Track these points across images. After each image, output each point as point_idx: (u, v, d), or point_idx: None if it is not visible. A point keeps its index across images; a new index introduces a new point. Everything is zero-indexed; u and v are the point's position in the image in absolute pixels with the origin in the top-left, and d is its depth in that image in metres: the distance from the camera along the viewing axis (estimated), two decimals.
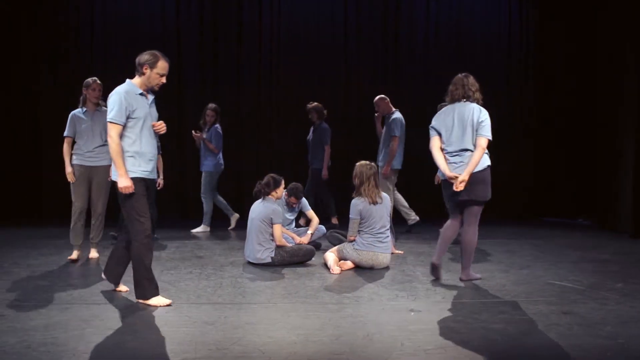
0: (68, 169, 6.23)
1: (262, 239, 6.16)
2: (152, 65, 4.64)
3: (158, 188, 7.55)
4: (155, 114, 4.79)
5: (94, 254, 6.48)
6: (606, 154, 9.24)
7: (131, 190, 4.52)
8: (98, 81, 6.35)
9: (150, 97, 4.74)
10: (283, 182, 6.49)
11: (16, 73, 9.53)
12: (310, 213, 7.12)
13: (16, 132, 9.54)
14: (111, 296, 4.91)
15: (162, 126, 4.77)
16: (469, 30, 10.46)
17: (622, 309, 4.60)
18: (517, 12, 10.55)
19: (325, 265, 6.10)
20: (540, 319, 4.34)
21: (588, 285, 5.36)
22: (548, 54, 10.40)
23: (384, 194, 6.17)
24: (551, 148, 10.40)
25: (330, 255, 6.10)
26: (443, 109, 5.44)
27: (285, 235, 6.58)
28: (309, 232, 6.99)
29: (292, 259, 6.22)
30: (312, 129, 8.83)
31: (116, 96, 4.56)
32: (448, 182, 5.31)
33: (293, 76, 10.24)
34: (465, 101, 5.27)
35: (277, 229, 6.20)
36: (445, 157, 5.28)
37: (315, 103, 8.74)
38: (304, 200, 7.13)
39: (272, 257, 6.16)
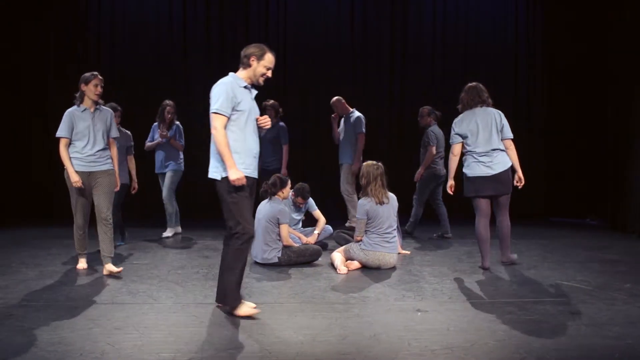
0: (75, 177, 5.55)
1: (269, 239, 6.17)
2: (260, 58, 4.42)
3: (133, 192, 7.21)
4: (257, 108, 4.50)
5: (111, 268, 5.66)
6: (615, 154, 9.20)
7: (244, 181, 4.20)
8: (99, 76, 5.75)
9: (254, 92, 4.49)
10: (289, 182, 6.49)
11: (23, 73, 9.57)
12: (317, 213, 7.12)
13: (26, 133, 9.58)
14: (118, 296, 4.92)
15: (267, 120, 4.48)
16: (477, 30, 10.43)
17: (630, 310, 4.58)
18: (524, 12, 10.52)
19: (332, 266, 6.10)
20: (547, 319, 4.32)
21: (596, 286, 5.33)
22: (557, 53, 10.36)
23: (390, 194, 6.16)
24: (560, 148, 10.36)
25: (337, 256, 6.10)
26: (461, 116, 6.01)
27: (292, 235, 6.58)
28: (316, 232, 6.99)
29: (299, 259, 6.23)
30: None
31: (222, 86, 4.32)
32: (473, 179, 5.90)
33: (300, 76, 10.25)
34: (482, 106, 5.94)
35: (284, 229, 6.20)
36: (473, 156, 5.90)
37: (272, 101, 8.25)
38: (310, 200, 7.13)
39: (279, 257, 6.16)
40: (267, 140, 8.08)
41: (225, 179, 4.25)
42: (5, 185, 9.24)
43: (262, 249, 6.18)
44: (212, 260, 6.43)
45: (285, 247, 6.21)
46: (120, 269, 5.68)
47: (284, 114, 8.28)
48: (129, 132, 7.30)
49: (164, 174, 7.94)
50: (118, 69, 9.89)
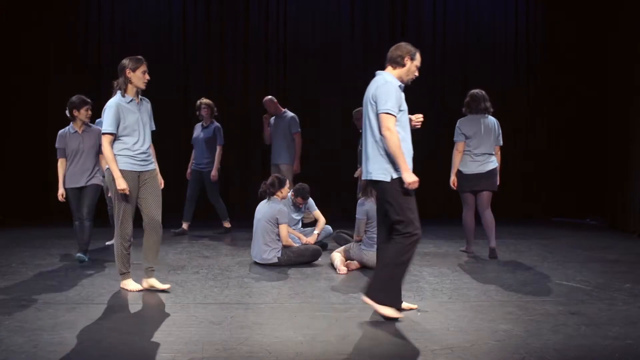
0: (122, 184, 4.89)
1: (269, 239, 6.17)
2: (413, 57, 4.39)
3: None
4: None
5: (156, 283, 5.10)
6: (616, 154, 9.19)
7: (417, 185, 4.16)
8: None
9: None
10: (288, 182, 6.49)
11: (23, 73, 9.56)
12: (317, 213, 7.12)
13: (26, 132, 9.57)
14: (118, 296, 4.92)
15: (421, 119, 4.48)
16: (477, 30, 10.42)
17: (631, 310, 4.58)
18: (524, 11, 10.51)
19: (332, 266, 6.10)
20: (547, 319, 4.32)
21: (596, 286, 5.33)
22: (557, 54, 10.35)
23: None
24: (560, 148, 10.36)
25: (337, 256, 6.10)
26: (467, 118, 6.54)
27: (292, 235, 6.58)
28: (316, 232, 6.99)
29: (299, 259, 6.23)
30: (200, 127, 8.20)
31: (390, 86, 4.24)
32: (468, 176, 6.48)
33: (300, 78, 10.25)
34: (485, 113, 6.52)
35: (284, 229, 6.20)
36: (470, 156, 6.49)
37: (207, 99, 8.08)
38: (310, 200, 7.13)
39: (278, 258, 6.16)
40: (201, 140, 8.08)
41: (397, 180, 4.20)
42: (5, 185, 9.24)
43: (261, 249, 6.17)
44: (212, 261, 6.43)
45: (285, 247, 6.21)
46: (168, 286, 5.10)
47: (217, 113, 8.16)
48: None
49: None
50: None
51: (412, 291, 5.12)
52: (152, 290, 5.04)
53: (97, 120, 6.53)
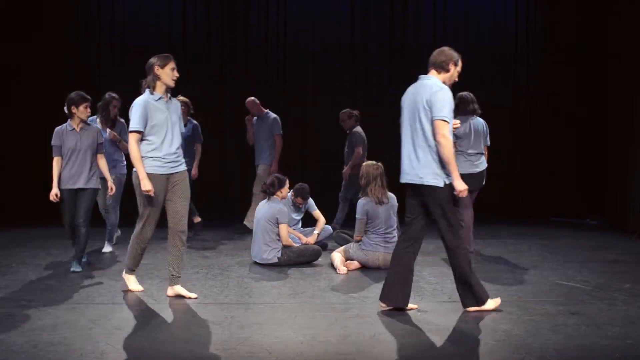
0: (147, 185, 4.67)
1: (269, 239, 6.17)
2: (457, 63, 4.53)
3: (111, 193, 6.07)
4: None
5: (183, 291, 4.90)
6: (616, 154, 9.19)
7: (467, 193, 4.33)
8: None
9: None
10: (287, 182, 6.49)
11: (23, 72, 9.56)
12: (317, 213, 7.12)
13: (26, 132, 9.56)
14: (118, 296, 4.92)
15: (458, 125, 4.74)
16: (477, 30, 10.41)
17: (631, 310, 4.58)
18: (524, 11, 10.50)
19: (332, 266, 6.10)
20: (547, 319, 4.32)
21: (596, 286, 5.33)
22: (558, 53, 10.34)
23: (390, 194, 6.16)
24: (560, 148, 10.35)
25: (337, 256, 6.10)
26: (458, 119, 6.48)
27: (292, 235, 6.58)
28: (316, 232, 6.98)
29: (299, 259, 6.23)
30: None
31: (448, 93, 4.34)
32: (463, 176, 6.22)
33: (300, 78, 10.24)
34: (473, 115, 6.64)
35: (284, 228, 6.20)
36: (464, 156, 6.53)
37: (183, 97, 7.53)
38: (310, 200, 7.13)
39: (278, 257, 6.16)
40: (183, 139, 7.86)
41: (449, 186, 4.30)
42: (5, 185, 9.24)
43: (261, 249, 6.17)
44: (212, 261, 6.43)
45: (285, 247, 6.21)
46: (195, 295, 4.87)
47: (193, 111, 7.87)
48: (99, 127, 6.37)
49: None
50: (118, 68, 9.89)
51: (412, 291, 5.10)
52: (178, 297, 4.86)
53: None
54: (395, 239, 6.15)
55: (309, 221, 7.29)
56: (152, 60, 4.80)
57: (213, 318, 4.31)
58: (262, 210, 6.29)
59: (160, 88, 4.79)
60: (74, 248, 5.90)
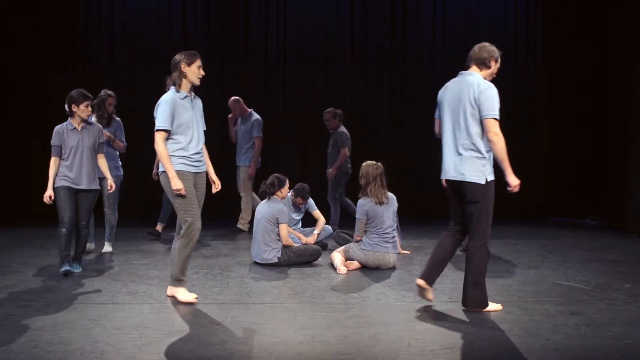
0: (178, 183, 4.55)
1: (269, 239, 6.17)
2: (497, 59, 4.60)
3: (110, 190, 5.94)
4: None
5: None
6: (616, 154, 9.19)
7: (518, 188, 4.36)
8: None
9: None
10: (287, 182, 6.49)
11: (23, 72, 9.56)
12: (317, 213, 7.12)
13: (26, 131, 9.57)
14: (118, 296, 4.92)
15: None
16: (477, 29, 10.39)
17: (631, 310, 4.58)
18: (524, 11, 10.50)
19: (332, 266, 6.10)
20: (547, 319, 4.32)
21: (596, 286, 5.33)
22: (557, 53, 10.34)
23: (390, 194, 6.16)
24: (560, 148, 10.35)
25: (337, 256, 6.10)
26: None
27: (292, 235, 6.58)
28: (316, 232, 6.99)
29: (299, 259, 6.23)
30: None
31: (494, 91, 4.37)
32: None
33: (300, 78, 10.24)
34: None
35: (284, 228, 6.20)
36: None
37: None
38: (310, 200, 7.13)
39: (278, 257, 6.16)
40: None
41: (491, 182, 4.35)
42: (5, 185, 9.24)
43: (261, 249, 6.17)
44: (212, 260, 6.43)
45: (285, 247, 6.21)
46: (195, 296, 4.75)
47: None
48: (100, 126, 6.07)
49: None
50: (118, 68, 9.89)
51: (412, 291, 5.12)
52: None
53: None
54: (395, 238, 6.17)
55: (309, 221, 7.29)
56: (178, 57, 4.69)
57: (213, 318, 4.31)
58: (262, 210, 6.29)
59: (185, 86, 4.70)
60: (66, 250, 5.62)
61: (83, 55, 9.88)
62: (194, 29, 10.12)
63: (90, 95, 5.77)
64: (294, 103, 10.18)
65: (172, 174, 4.54)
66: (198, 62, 4.68)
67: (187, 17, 10.10)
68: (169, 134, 4.59)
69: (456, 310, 4.54)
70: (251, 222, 8.04)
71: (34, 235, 7.96)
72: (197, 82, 4.70)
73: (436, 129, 4.73)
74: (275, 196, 6.34)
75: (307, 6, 10.24)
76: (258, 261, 6.23)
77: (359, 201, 6.13)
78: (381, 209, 6.03)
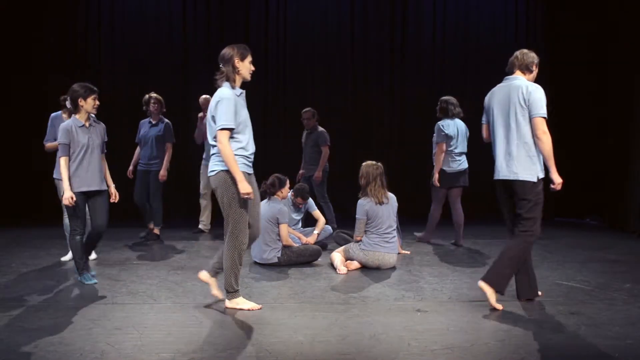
0: (247, 187, 4.34)
1: (269, 239, 6.17)
2: (538, 65, 4.80)
3: (115, 201, 5.57)
4: None
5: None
6: (616, 154, 9.19)
7: (561, 187, 4.61)
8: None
9: None
10: (288, 182, 6.49)
11: (23, 71, 9.56)
12: (317, 213, 7.12)
13: (26, 131, 9.56)
14: (118, 296, 4.92)
15: None
16: (477, 29, 10.41)
17: (631, 310, 4.58)
18: (524, 10, 10.50)
19: (332, 266, 6.10)
20: (547, 319, 4.32)
21: (596, 286, 5.33)
22: (557, 53, 10.34)
23: (390, 194, 6.16)
24: (560, 148, 10.32)
25: (337, 256, 6.10)
26: (447, 121, 7.22)
27: (292, 235, 6.58)
28: (316, 232, 6.98)
29: (299, 259, 6.23)
30: (148, 124, 7.62)
31: (542, 92, 4.56)
32: (450, 174, 7.20)
33: (300, 78, 10.24)
34: (457, 118, 7.30)
35: (284, 228, 6.20)
36: (452, 155, 7.22)
37: (156, 94, 7.56)
38: (310, 200, 7.14)
39: (278, 257, 6.16)
40: (151, 138, 7.54)
41: (541, 180, 4.55)
42: (5, 184, 9.24)
43: (261, 249, 6.17)
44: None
45: (285, 247, 6.21)
46: (260, 306, 4.58)
47: (165, 109, 7.70)
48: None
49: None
50: (118, 68, 9.89)
51: (412, 291, 5.12)
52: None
53: (55, 114, 6.17)
54: (395, 239, 6.17)
55: (308, 221, 7.30)
56: (229, 51, 4.53)
57: (213, 318, 4.31)
58: (263, 210, 6.27)
59: (239, 82, 4.51)
60: (84, 257, 5.36)
61: (83, 56, 9.87)
62: (194, 29, 10.12)
63: (95, 88, 5.40)
64: (294, 103, 10.17)
65: (240, 177, 4.29)
66: (250, 57, 4.54)
67: (187, 17, 10.10)
68: (232, 132, 4.36)
69: (456, 310, 4.54)
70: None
71: (34, 235, 7.96)
72: (249, 77, 4.55)
73: (484, 134, 4.94)
74: (275, 196, 6.34)
75: (307, 6, 10.24)
76: (258, 261, 6.23)
77: (359, 201, 6.13)
78: (381, 209, 6.03)
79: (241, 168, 4.36)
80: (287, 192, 6.50)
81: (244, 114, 4.46)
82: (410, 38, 10.39)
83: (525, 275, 4.75)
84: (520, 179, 4.52)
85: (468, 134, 7.34)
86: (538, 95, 4.52)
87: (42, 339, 3.80)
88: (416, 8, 10.37)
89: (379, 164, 6.20)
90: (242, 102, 4.51)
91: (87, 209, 5.35)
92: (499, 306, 4.52)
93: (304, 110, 8.38)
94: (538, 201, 4.55)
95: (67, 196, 5.12)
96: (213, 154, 4.48)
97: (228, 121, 4.33)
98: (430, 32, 10.40)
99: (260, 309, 4.53)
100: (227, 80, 4.47)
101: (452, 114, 7.24)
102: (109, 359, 3.51)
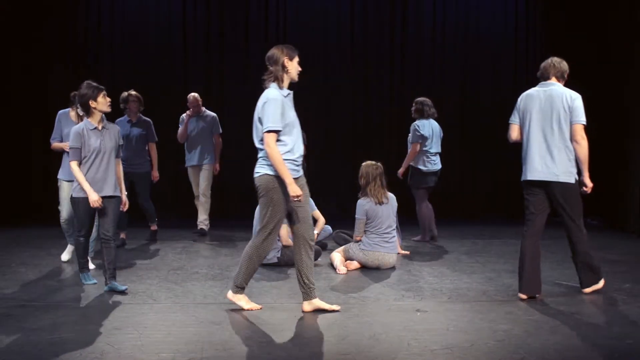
0: (297, 190, 4.24)
1: None
2: (567, 71, 5.11)
3: (124, 209, 5.36)
4: None
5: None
6: (615, 154, 9.19)
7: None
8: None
9: None
10: None
11: (23, 72, 9.57)
12: (317, 213, 7.11)
13: (26, 131, 9.57)
14: (118, 296, 4.92)
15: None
16: (477, 29, 10.41)
17: (630, 310, 4.58)
18: (524, 9, 10.50)
19: (332, 266, 6.10)
20: (547, 319, 4.32)
21: None
22: (557, 54, 10.30)
23: (390, 194, 6.16)
24: None
25: (337, 256, 6.10)
26: (423, 122, 7.40)
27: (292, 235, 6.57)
28: (315, 232, 6.97)
29: None
30: (128, 123, 7.25)
31: (581, 100, 4.87)
32: (427, 174, 7.47)
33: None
34: (432, 119, 7.49)
35: (283, 229, 6.19)
36: (427, 155, 7.39)
37: (135, 92, 7.28)
38: (310, 201, 7.12)
39: (278, 257, 6.16)
40: (134, 138, 7.22)
41: (577, 182, 4.91)
42: (5, 184, 9.24)
43: None
44: (212, 260, 6.43)
45: (285, 247, 6.21)
46: (338, 307, 4.52)
47: (143, 107, 7.41)
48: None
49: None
50: (118, 68, 9.89)
51: (412, 291, 5.12)
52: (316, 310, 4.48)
53: (62, 110, 6.04)
54: (395, 239, 6.17)
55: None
56: (278, 51, 4.43)
57: (213, 318, 4.31)
58: None
59: (286, 82, 4.42)
60: (85, 257, 5.26)
61: (83, 55, 9.87)
62: (194, 29, 10.11)
63: (101, 86, 5.14)
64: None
65: (289, 180, 4.19)
66: (297, 57, 4.46)
67: (187, 17, 10.09)
68: (278, 135, 4.25)
69: (456, 310, 4.54)
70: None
71: (34, 235, 7.96)
72: (297, 78, 4.46)
73: (513, 134, 5.12)
74: None
75: (306, 6, 10.24)
76: None
77: (359, 201, 6.13)
78: (381, 209, 6.03)
79: (292, 174, 4.28)
80: None
81: (292, 116, 4.35)
82: (410, 38, 10.39)
83: (536, 272, 4.88)
84: (561, 180, 4.82)
85: (442, 134, 7.53)
86: (579, 104, 4.85)
87: (42, 339, 3.80)
88: (416, 8, 10.36)
89: (379, 164, 6.20)
90: (290, 103, 4.40)
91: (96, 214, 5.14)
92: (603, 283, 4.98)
93: None
94: (578, 200, 4.95)
95: (94, 199, 4.92)
96: (260, 157, 4.39)
97: (275, 123, 4.23)
98: (430, 32, 10.40)
99: (261, 309, 4.54)
100: (275, 80, 4.41)
101: (428, 115, 7.43)
102: (108, 358, 3.51)
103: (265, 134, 4.24)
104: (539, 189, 4.92)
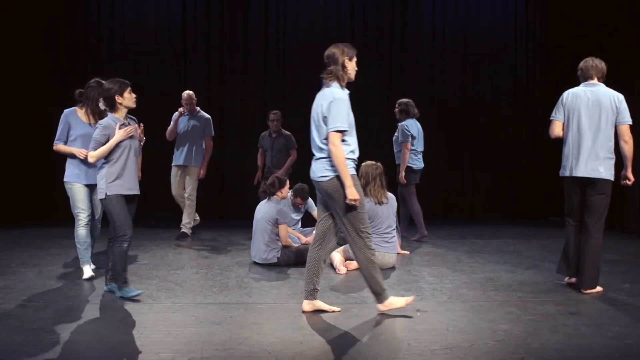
0: (357, 193, 4.23)
1: (268, 239, 6.17)
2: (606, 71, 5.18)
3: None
4: None
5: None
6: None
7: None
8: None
9: None
10: (288, 182, 6.49)
11: (27, 72, 9.57)
12: (316, 214, 7.11)
13: (26, 131, 9.57)
14: (118, 297, 4.91)
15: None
16: (477, 29, 10.42)
17: (630, 310, 4.58)
18: (524, 9, 10.51)
19: (332, 266, 6.10)
20: (547, 319, 4.32)
21: None
22: (556, 54, 10.34)
23: (389, 194, 6.16)
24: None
25: (337, 256, 6.10)
26: (411, 122, 7.57)
27: (292, 235, 6.58)
28: (314, 232, 6.97)
29: (299, 259, 6.22)
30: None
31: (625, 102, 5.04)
32: (417, 171, 7.65)
33: (300, 78, 10.23)
34: (415, 118, 7.66)
35: (283, 229, 6.20)
36: (415, 154, 7.57)
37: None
38: (310, 200, 7.13)
39: (278, 257, 6.16)
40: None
41: (613, 179, 5.04)
42: (5, 184, 9.24)
43: (261, 249, 6.17)
44: (212, 260, 6.43)
45: (285, 248, 6.21)
46: (339, 309, 4.51)
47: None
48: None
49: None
50: (117, 68, 9.88)
51: (411, 291, 5.12)
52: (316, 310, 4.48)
53: (69, 109, 5.63)
54: (395, 239, 6.17)
55: (308, 221, 7.30)
56: (338, 50, 4.35)
57: (213, 318, 4.31)
58: (262, 210, 6.29)
59: (344, 82, 4.35)
60: (124, 272, 4.83)
61: (83, 55, 9.87)
62: (194, 29, 10.11)
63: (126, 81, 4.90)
64: (293, 103, 10.16)
65: (349, 182, 4.11)
66: (356, 57, 4.37)
67: (187, 17, 10.10)
68: (343, 134, 4.17)
69: (456, 310, 4.54)
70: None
71: (34, 235, 7.96)
72: (354, 77, 4.39)
73: (556, 130, 5.26)
74: (275, 196, 6.34)
75: (306, 6, 10.25)
76: (258, 261, 6.23)
77: None
78: (381, 209, 6.03)
79: (350, 172, 4.19)
80: (286, 192, 6.50)
81: (352, 117, 4.30)
82: (410, 38, 10.39)
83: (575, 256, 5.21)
84: (604, 177, 5.01)
85: (423, 133, 7.72)
86: (625, 105, 5.03)
87: (42, 339, 3.80)
88: (416, 8, 10.37)
89: (379, 164, 6.20)
90: (349, 104, 4.33)
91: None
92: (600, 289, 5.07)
93: (273, 112, 8.19)
94: (609, 201, 5.07)
95: (124, 131, 4.67)
96: (321, 158, 4.27)
97: (342, 123, 4.16)
98: (430, 32, 10.40)
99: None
100: (336, 80, 4.32)
101: (412, 115, 7.60)
102: (109, 359, 3.51)
103: (332, 133, 4.16)
104: (578, 185, 5.14)
